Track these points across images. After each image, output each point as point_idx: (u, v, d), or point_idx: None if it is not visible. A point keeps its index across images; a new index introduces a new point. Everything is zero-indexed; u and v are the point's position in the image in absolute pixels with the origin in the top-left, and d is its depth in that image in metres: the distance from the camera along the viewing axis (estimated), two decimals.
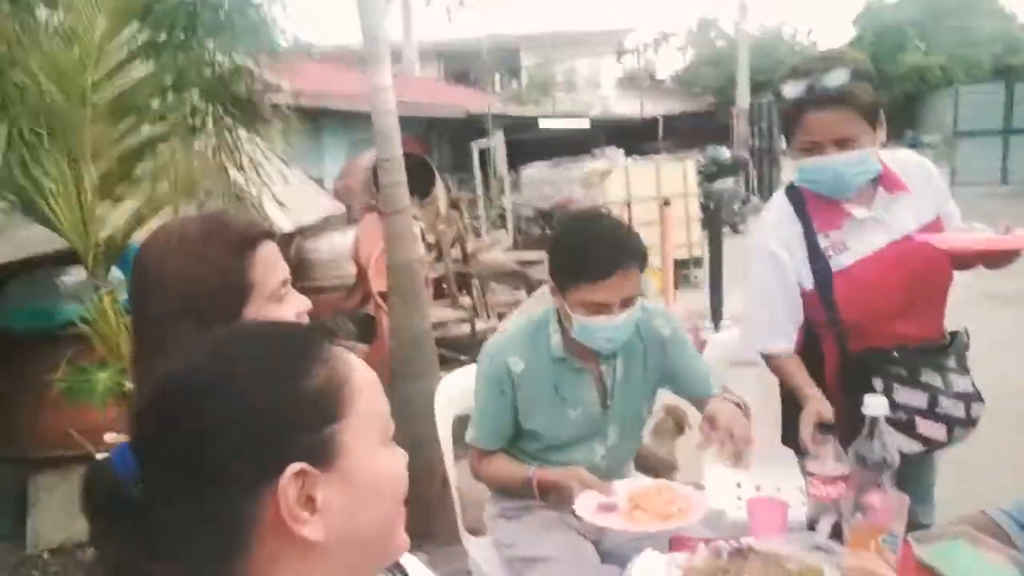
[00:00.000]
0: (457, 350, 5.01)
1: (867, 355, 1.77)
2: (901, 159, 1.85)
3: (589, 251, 1.68)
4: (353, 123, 11.78)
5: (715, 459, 2.46)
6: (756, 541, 1.37)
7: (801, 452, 1.93)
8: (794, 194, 1.86)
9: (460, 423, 2.18)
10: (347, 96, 10.05)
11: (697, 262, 8.32)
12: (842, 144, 1.67)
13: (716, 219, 6.09)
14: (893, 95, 29.26)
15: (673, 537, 1.55)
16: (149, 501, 0.66)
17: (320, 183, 7.01)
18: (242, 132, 3.10)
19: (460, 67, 24.00)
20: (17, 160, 2.57)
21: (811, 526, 1.42)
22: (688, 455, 2.58)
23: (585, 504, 1.65)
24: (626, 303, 1.71)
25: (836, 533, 1.38)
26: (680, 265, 7.48)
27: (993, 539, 1.38)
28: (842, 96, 1.64)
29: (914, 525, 1.40)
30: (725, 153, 11.89)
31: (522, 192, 12.43)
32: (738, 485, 2.44)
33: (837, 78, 1.65)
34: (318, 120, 10.15)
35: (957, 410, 1.76)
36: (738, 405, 1.75)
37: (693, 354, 1.97)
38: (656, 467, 2.14)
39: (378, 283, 4.42)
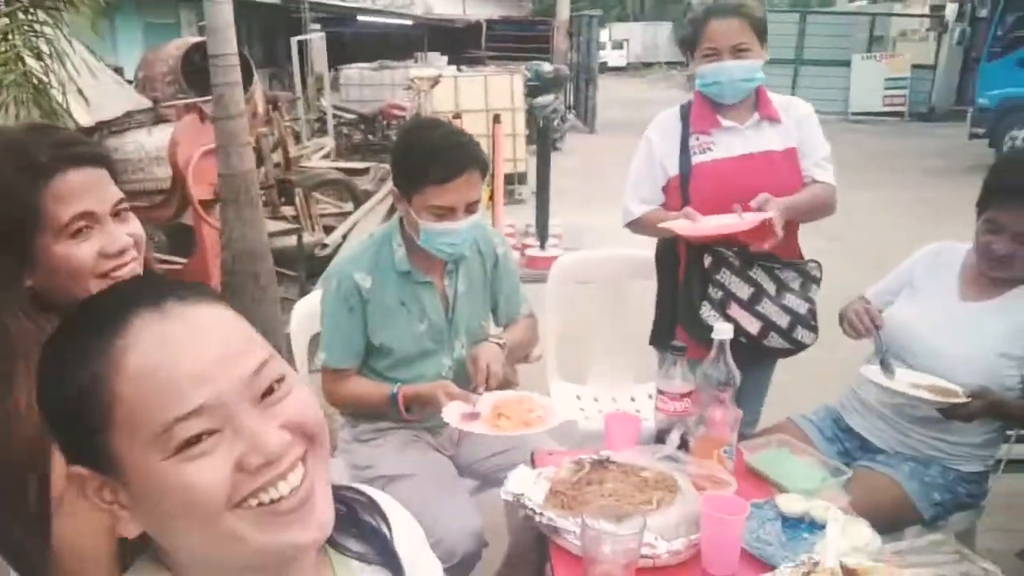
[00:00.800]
0: (283, 264, 4.81)
1: (709, 247, 2.04)
2: (788, 101, 2.17)
3: (435, 155, 1.73)
4: (149, 3, 10.57)
5: (555, 376, 2.65)
6: (614, 453, 1.50)
7: (669, 350, 2.16)
8: (685, 105, 2.17)
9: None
10: None
11: (522, 178, 8.47)
12: (736, 52, 1.97)
13: (545, 135, 6.20)
14: None
15: (535, 452, 1.65)
16: None
17: (120, 73, 6.28)
18: (40, 15, 2.70)
19: None
20: None
21: (660, 439, 1.57)
22: (528, 372, 2.71)
23: (451, 412, 1.72)
24: (470, 208, 1.79)
25: (682, 445, 1.53)
26: (506, 180, 7.58)
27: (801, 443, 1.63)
28: (739, 8, 1.98)
29: (741, 436, 1.59)
30: (547, 67, 11.97)
31: (341, 94, 11.90)
32: (578, 397, 2.62)
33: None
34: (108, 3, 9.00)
35: (779, 319, 2.02)
36: (500, 345, 1.92)
37: (514, 277, 2.10)
38: (500, 385, 2.25)
39: (198, 190, 4.12)
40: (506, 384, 2.85)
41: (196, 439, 0.61)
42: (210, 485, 0.61)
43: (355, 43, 16.21)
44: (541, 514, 1.35)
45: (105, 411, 0.61)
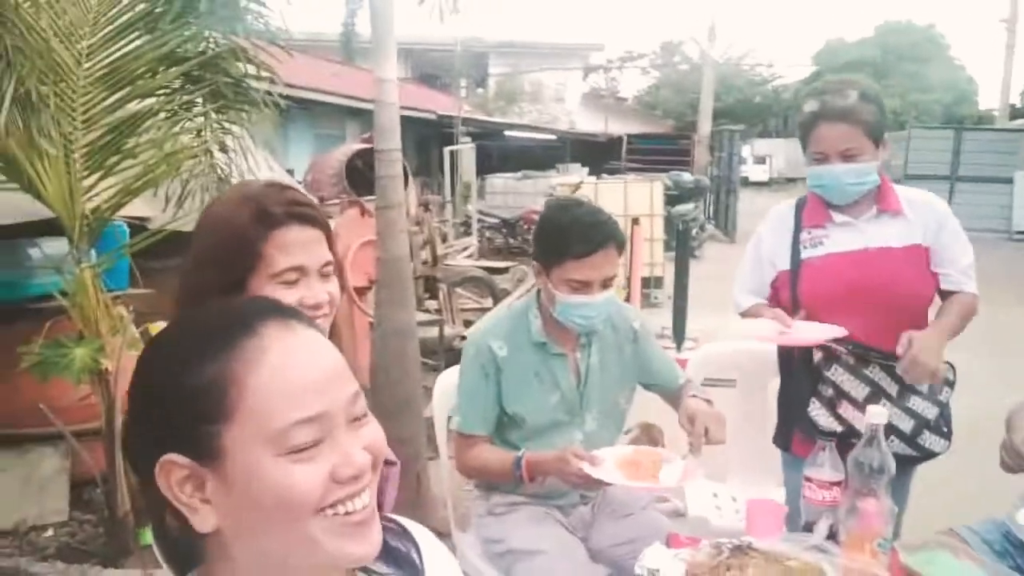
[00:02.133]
0: (425, 354, 5.01)
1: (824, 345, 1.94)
2: (912, 193, 2.04)
3: (574, 230, 1.81)
4: (320, 116, 11.70)
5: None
6: (756, 540, 1.43)
7: (789, 451, 2.06)
8: (801, 200, 2.10)
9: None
10: (318, 88, 10.00)
11: (658, 282, 8.48)
12: (846, 156, 1.88)
13: (685, 239, 6.23)
14: None
15: (670, 536, 1.61)
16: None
17: (291, 173, 6.94)
18: (230, 116, 3.08)
19: (429, 69, 24.04)
20: (13, 121, 2.51)
21: (807, 528, 1.49)
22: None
23: (580, 468, 1.70)
24: (606, 284, 1.84)
25: (831, 536, 1.45)
26: (642, 284, 7.61)
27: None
28: (849, 114, 1.87)
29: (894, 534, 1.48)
30: (687, 177, 12.12)
31: (487, 201, 12.52)
32: (715, 495, 2.52)
33: (846, 98, 1.89)
34: (286, 112, 10.06)
35: (901, 422, 1.90)
36: (708, 402, 1.89)
37: (659, 349, 2.12)
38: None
39: (354, 278, 4.42)
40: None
41: (307, 444, 0.67)
42: (308, 488, 0.66)
43: (501, 155, 17.11)
44: None
45: (232, 403, 0.66)
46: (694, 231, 10.21)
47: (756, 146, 37.68)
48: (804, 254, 2.00)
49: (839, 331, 1.85)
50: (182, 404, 0.66)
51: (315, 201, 1.30)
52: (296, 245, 1.22)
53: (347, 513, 0.69)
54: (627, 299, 5.88)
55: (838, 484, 1.48)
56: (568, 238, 1.81)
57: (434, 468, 3.08)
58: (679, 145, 18.77)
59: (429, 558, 0.86)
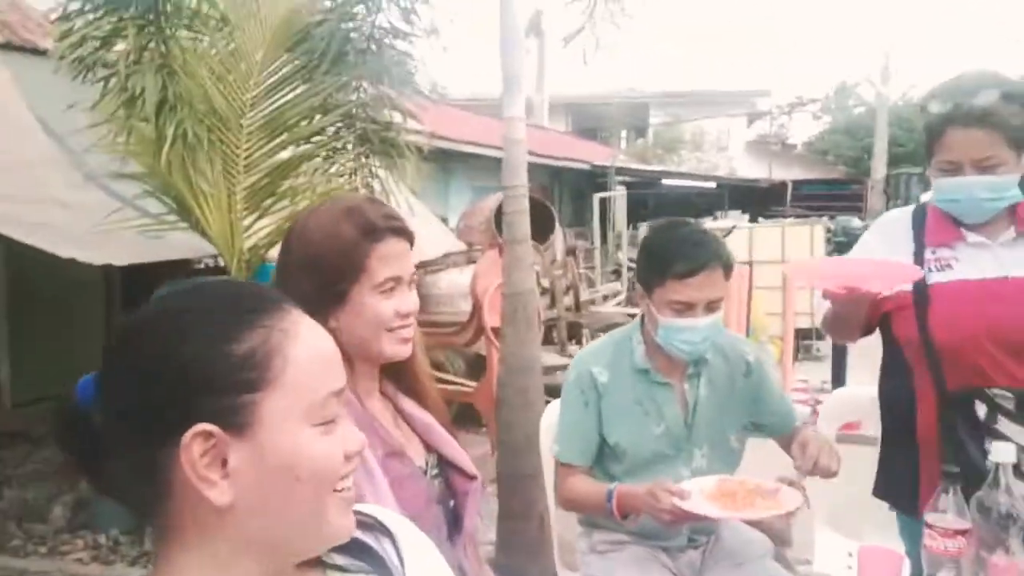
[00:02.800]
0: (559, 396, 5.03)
1: (969, 389, 1.66)
2: None
3: (677, 249, 1.74)
4: (479, 169, 12.19)
5: (824, 524, 2.36)
6: None
7: (892, 506, 1.84)
8: (919, 209, 1.84)
9: None
10: (476, 142, 10.44)
11: (820, 333, 7.97)
12: (982, 166, 1.62)
13: None
14: None
15: None
16: (104, 430, 0.69)
17: (445, 221, 7.25)
18: (376, 161, 3.29)
19: (588, 122, 24.40)
20: (178, 162, 2.83)
21: None
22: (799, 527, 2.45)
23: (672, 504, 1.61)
24: (711, 307, 1.75)
25: None
26: (801, 335, 7.18)
27: None
28: (987, 117, 1.61)
29: None
30: (856, 223, 11.42)
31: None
32: (849, 554, 2.30)
33: (985, 98, 1.62)
34: (447, 164, 10.56)
35: None
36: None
37: (777, 387, 1.98)
38: (771, 538, 2.08)
39: (492, 318, 4.51)
40: (779, 540, 2.64)
41: (334, 417, 0.70)
42: (336, 459, 0.70)
43: (657, 204, 16.96)
44: None
45: (276, 372, 0.67)
46: None
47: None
48: (931, 279, 1.70)
49: (918, 271, 1.62)
50: (224, 373, 0.66)
51: (402, 215, 1.35)
52: (394, 257, 1.28)
53: (347, 490, 0.71)
54: (781, 355, 5.57)
55: (964, 533, 1.31)
56: (671, 257, 1.75)
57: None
58: (851, 190, 17.78)
59: (409, 552, 0.83)
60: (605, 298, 8.41)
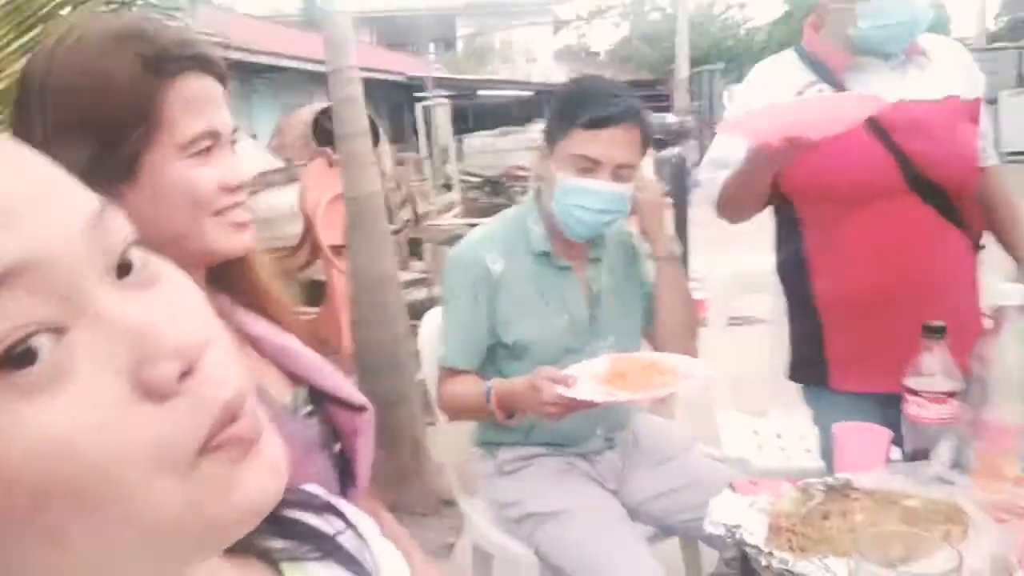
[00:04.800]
0: (413, 316, 4.66)
1: None
2: (934, 38, 1.60)
3: (591, 97, 1.48)
4: (285, 85, 11.19)
5: (726, 403, 2.23)
6: (855, 476, 1.09)
7: (800, 382, 1.70)
8: (797, 47, 1.62)
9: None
10: (280, 53, 9.51)
11: None
12: None
13: (680, 180, 5.85)
14: None
15: (735, 484, 1.26)
16: None
17: (254, 139, 6.51)
18: None
19: (394, 36, 23.33)
20: None
21: (916, 457, 1.15)
22: (693, 408, 2.30)
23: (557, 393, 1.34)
24: (619, 174, 1.49)
25: (956, 464, 1.11)
26: None
27: None
28: None
29: None
30: (670, 119, 11.70)
31: (465, 162, 12.05)
32: (755, 432, 2.19)
33: None
34: (249, 79, 9.56)
35: None
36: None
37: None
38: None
39: (328, 235, 4.02)
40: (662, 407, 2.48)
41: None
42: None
43: (477, 115, 16.59)
44: (771, 554, 0.96)
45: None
46: (690, 172, 9.82)
47: (733, 92, 37.33)
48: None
49: (877, 100, 1.35)
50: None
51: (208, 42, 0.90)
52: (204, 100, 0.84)
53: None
54: None
55: (954, 395, 1.13)
56: (580, 104, 1.47)
57: (436, 434, 2.76)
58: (657, 90, 18.29)
59: (372, 536, 0.57)
60: (439, 213, 8.04)
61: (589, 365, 1.44)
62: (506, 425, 1.53)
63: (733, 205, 1.63)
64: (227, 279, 0.96)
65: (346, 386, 1.04)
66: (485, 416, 1.55)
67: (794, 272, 1.62)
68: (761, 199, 1.60)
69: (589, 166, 1.47)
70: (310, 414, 1.01)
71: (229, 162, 0.87)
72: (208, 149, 0.85)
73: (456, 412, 1.66)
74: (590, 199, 1.48)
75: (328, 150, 4.12)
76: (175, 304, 0.37)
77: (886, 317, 1.44)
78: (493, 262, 1.56)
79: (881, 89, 1.48)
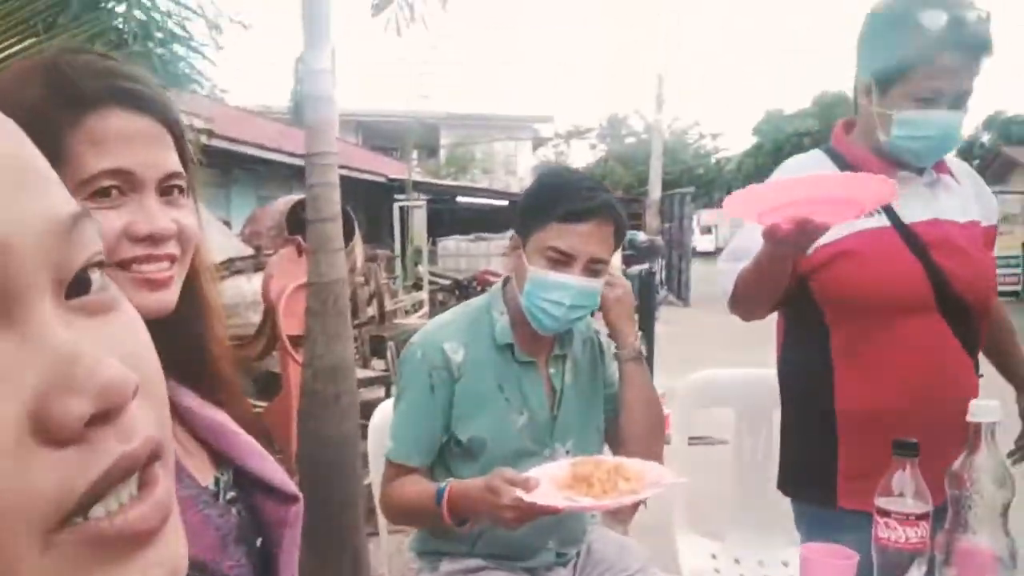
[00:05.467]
0: (367, 416, 4.52)
1: None
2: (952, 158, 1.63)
3: (568, 191, 1.44)
4: (266, 178, 11.31)
5: (683, 526, 2.14)
6: None
7: (801, 499, 1.62)
8: (829, 148, 1.60)
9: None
10: (263, 145, 9.65)
11: None
12: (959, 99, 1.42)
13: (648, 293, 5.93)
14: None
15: None
16: None
17: (228, 226, 6.50)
18: None
19: (379, 140, 23.95)
20: None
21: None
22: (648, 530, 2.21)
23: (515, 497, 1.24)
24: (591, 269, 1.44)
25: None
26: None
27: None
28: (984, 43, 1.38)
29: None
30: (642, 237, 12.01)
31: (438, 263, 12.15)
32: (713, 556, 2.08)
33: (981, 21, 1.37)
34: (230, 169, 9.64)
35: None
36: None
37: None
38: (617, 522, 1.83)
39: (289, 324, 3.93)
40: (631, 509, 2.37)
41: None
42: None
43: (454, 221, 16.88)
44: None
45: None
46: (657, 290, 9.97)
47: (702, 217, 38.70)
48: (860, 225, 1.44)
49: (892, 186, 1.26)
50: None
51: (150, 78, 0.85)
52: (120, 139, 0.76)
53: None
54: None
55: (926, 518, 1.07)
56: (557, 197, 1.44)
57: (376, 546, 2.60)
58: (630, 208, 18.79)
59: None
60: (407, 312, 7.99)
61: (548, 468, 1.36)
62: (453, 533, 1.43)
63: (747, 298, 1.55)
64: (168, 347, 0.88)
65: (278, 473, 0.95)
66: (431, 521, 1.43)
67: (812, 380, 1.55)
68: (776, 293, 1.51)
69: (563, 259, 1.43)
70: (233, 500, 0.91)
71: (144, 209, 0.78)
72: (114, 191, 0.77)
73: (400, 514, 1.55)
74: (562, 294, 1.43)
75: (299, 238, 4.10)
76: (119, 341, 0.32)
77: (905, 434, 1.39)
78: (453, 351, 1.49)
79: (917, 204, 1.48)
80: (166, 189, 0.80)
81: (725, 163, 37.66)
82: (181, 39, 3.05)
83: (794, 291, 1.52)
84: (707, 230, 36.37)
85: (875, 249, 1.45)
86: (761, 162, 32.96)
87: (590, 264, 1.43)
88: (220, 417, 0.93)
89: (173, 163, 0.81)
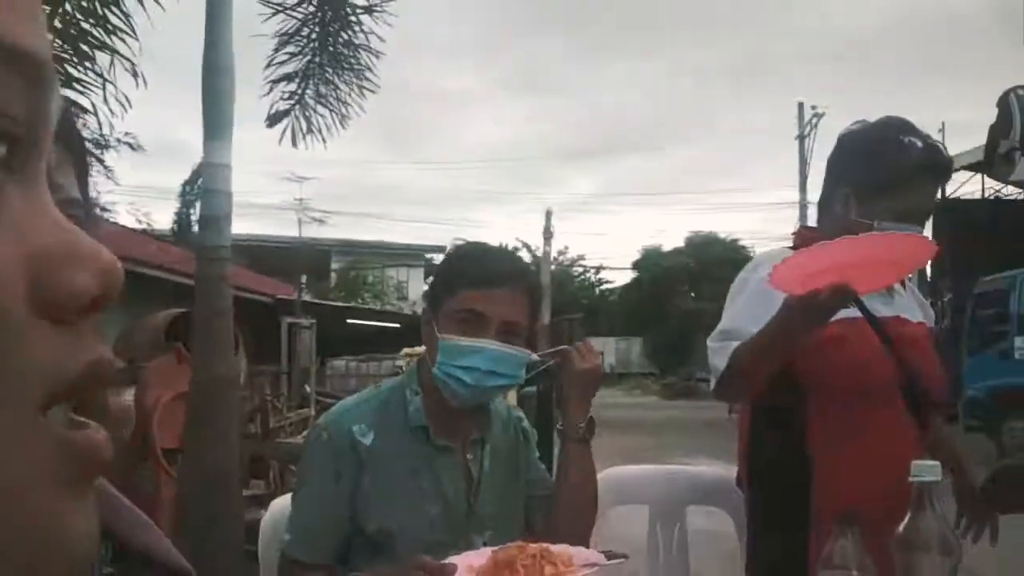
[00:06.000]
0: (249, 539, 4.13)
1: None
2: None
3: (482, 259, 1.43)
4: (140, 296, 10.78)
5: None
6: None
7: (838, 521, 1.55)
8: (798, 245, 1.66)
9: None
10: (141, 260, 9.24)
11: None
12: (925, 218, 1.59)
13: (546, 410, 5.90)
14: (669, 332, 32.50)
15: None
16: None
17: None
18: None
19: (268, 264, 23.54)
20: None
21: None
22: None
23: None
24: (506, 330, 1.37)
25: None
26: None
27: None
28: (949, 171, 1.61)
29: None
30: (535, 357, 12.15)
31: (327, 384, 11.74)
32: None
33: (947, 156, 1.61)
34: None
35: None
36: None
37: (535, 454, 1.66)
38: None
39: (163, 437, 3.61)
40: None
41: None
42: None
43: (344, 341, 16.54)
44: None
45: None
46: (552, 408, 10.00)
47: (588, 341, 39.67)
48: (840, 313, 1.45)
49: (930, 244, 1.35)
50: None
51: None
52: None
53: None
54: None
55: None
56: (467, 264, 1.41)
57: None
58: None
59: None
60: (292, 427, 7.58)
61: (468, 556, 1.24)
62: None
63: (749, 374, 1.52)
64: None
65: (164, 545, 0.80)
66: None
67: (788, 470, 1.53)
68: (775, 369, 1.50)
69: (475, 322, 1.36)
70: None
71: None
72: None
73: None
74: (475, 358, 1.35)
75: (179, 345, 3.85)
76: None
77: (876, 526, 1.35)
78: (362, 434, 1.36)
79: (877, 301, 1.55)
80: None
81: (609, 294, 39.17)
82: None
83: (775, 377, 1.51)
84: None
85: (856, 336, 1.49)
86: (643, 294, 34.45)
87: (505, 327, 1.37)
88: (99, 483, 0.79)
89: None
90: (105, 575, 0.74)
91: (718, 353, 1.56)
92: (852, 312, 1.50)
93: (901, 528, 1.01)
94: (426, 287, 1.54)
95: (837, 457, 1.49)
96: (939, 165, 1.57)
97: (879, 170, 1.54)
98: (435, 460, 1.41)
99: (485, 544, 1.40)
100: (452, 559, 1.20)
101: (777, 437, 1.58)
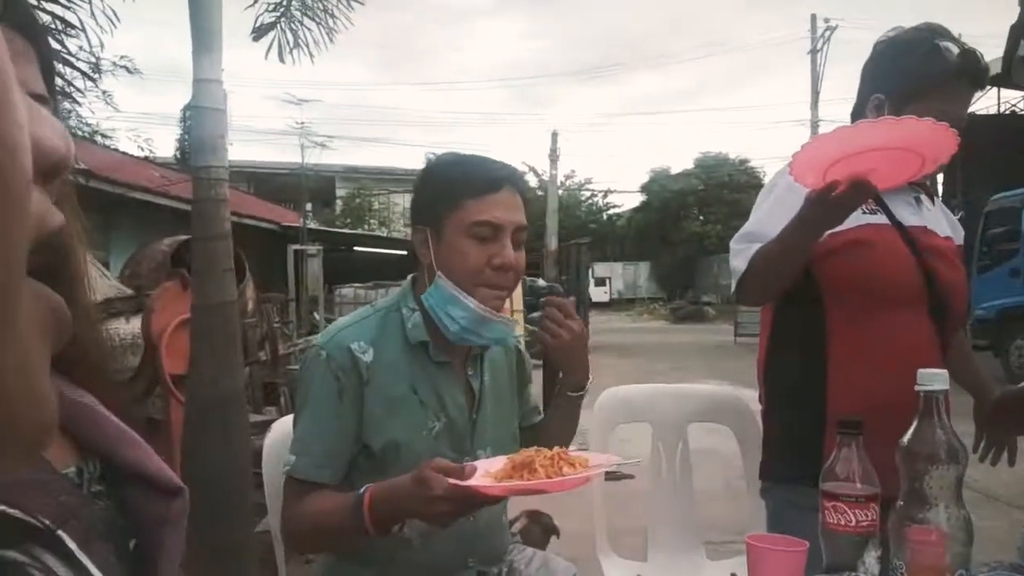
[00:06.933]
0: (258, 465, 4.21)
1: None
2: None
3: (475, 165, 1.37)
4: (146, 223, 10.76)
5: (606, 548, 2.05)
6: None
7: (783, 483, 1.57)
8: None
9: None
10: (142, 188, 9.19)
11: None
12: (958, 125, 1.46)
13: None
14: (676, 257, 32.40)
15: None
16: None
17: (106, 267, 6.07)
18: None
19: (272, 191, 23.38)
20: None
21: (834, 569, 1.00)
22: (569, 545, 2.09)
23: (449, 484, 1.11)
24: (517, 236, 1.35)
25: None
26: None
27: None
28: (984, 78, 1.53)
29: None
30: (541, 283, 12.16)
31: (336, 311, 11.81)
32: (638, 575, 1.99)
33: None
34: (109, 214, 9.10)
35: None
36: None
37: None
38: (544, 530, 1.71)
39: (172, 364, 3.63)
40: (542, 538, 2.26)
41: None
42: None
43: (351, 267, 16.57)
44: None
45: None
46: None
47: (596, 269, 39.79)
48: (864, 219, 1.48)
49: (954, 136, 1.28)
50: None
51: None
52: None
53: None
54: None
55: (875, 499, 1.01)
56: (466, 173, 1.35)
57: None
58: (529, 258, 19.04)
59: None
60: (301, 353, 7.66)
61: (482, 462, 1.23)
62: (366, 556, 1.29)
63: (766, 276, 1.51)
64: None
65: (154, 461, 0.79)
66: (348, 538, 1.26)
67: (802, 380, 1.53)
68: (793, 273, 1.48)
69: (491, 233, 1.32)
70: (98, 494, 0.75)
71: None
72: None
73: (309, 536, 1.35)
74: (460, 313, 1.32)
75: (184, 271, 3.83)
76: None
77: (890, 436, 1.34)
78: (361, 351, 1.34)
79: (907, 211, 1.55)
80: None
81: (616, 219, 38.89)
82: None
83: (797, 283, 1.50)
84: (601, 282, 37.29)
85: (882, 242, 1.50)
86: (651, 218, 34.20)
87: (516, 233, 1.34)
88: (87, 400, 0.77)
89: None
90: (94, 492, 0.74)
91: (739, 255, 1.54)
92: (879, 218, 1.49)
93: (906, 438, 0.99)
94: (413, 203, 1.49)
95: (855, 364, 1.48)
96: (976, 70, 1.50)
97: (914, 75, 1.49)
98: (435, 376, 1.40)
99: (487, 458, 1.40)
100: (474, 464, 1.20)
101: (796, 343, 1.57)
